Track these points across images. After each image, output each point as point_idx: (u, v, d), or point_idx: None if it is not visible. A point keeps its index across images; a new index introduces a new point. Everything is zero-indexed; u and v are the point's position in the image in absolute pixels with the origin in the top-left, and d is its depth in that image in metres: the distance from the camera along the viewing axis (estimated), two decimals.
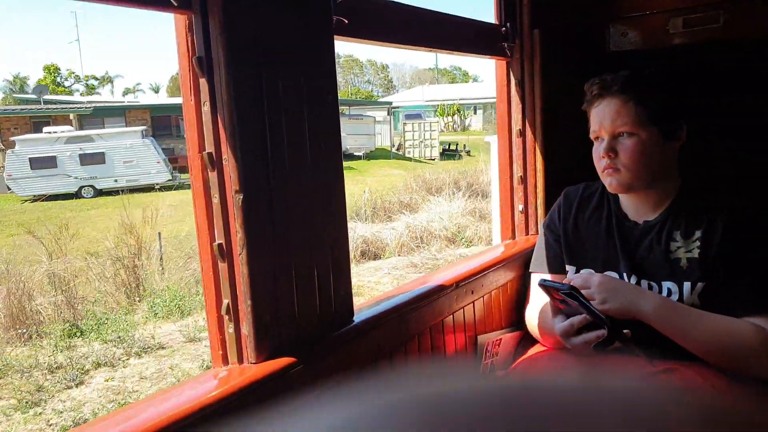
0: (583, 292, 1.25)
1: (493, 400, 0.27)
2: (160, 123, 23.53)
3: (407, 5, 1.40)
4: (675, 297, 1.34)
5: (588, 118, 1.44)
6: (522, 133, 1.85)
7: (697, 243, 1.33)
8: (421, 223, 9.36)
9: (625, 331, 1.21)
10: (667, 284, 1.35)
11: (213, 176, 0.96)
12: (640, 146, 1.33)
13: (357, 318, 1.14)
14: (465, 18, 1.67)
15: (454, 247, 8.85)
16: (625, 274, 1.40)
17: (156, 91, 63.90)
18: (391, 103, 32.34)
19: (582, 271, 1.34)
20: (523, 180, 1.86)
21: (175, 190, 15.88)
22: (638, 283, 1.39)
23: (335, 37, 1.14)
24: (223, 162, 0.95)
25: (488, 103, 31.33)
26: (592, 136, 1.41)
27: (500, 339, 1.59)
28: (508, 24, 1.80)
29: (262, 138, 0.97)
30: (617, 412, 0.24)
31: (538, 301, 1.56)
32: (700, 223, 1.34)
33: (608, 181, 1.39)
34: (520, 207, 1.87)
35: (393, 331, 1.21)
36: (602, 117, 1.37)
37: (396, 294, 1.29)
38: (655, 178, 1.37)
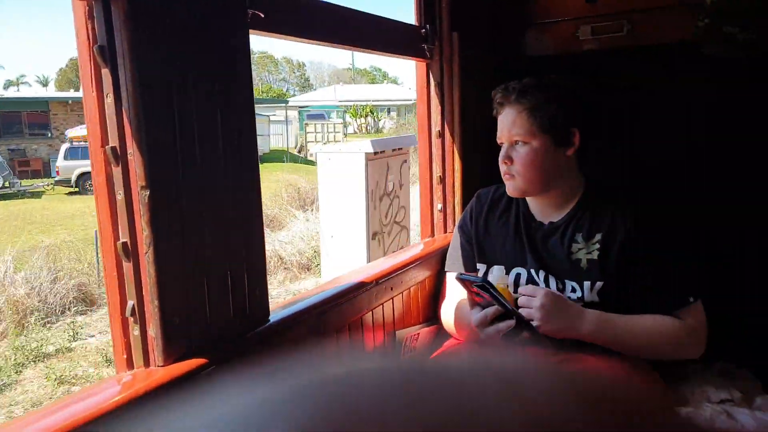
0: (524, 311, 1.30)
1: (392, 377, 0.28)
2: (9, 120, 20.79)
3: (326, 2, 1.39)
4: (577, 294, 1.42)
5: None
6: (441, 134, 1.89)
7: (597, 245, 1.41)
8: (272, 246, 7.50)
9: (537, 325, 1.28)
10: (570, 283, 1.43)
11: (117, 171, 0.92)
12: (531, 154, 1.42)
13: (273, 317, 1.12)
14: (385, 18, 1.68)
15: (304, 277, 7.19)
16: (532, 271, 1.48)
17: (44, 84, 58.70)
18: (287, 101, 30.82)
19: (527, 287, 1.37)
20: (442, 180, 1.90)
21: (8, 199, 14.17)
22: (546, 279, 1.46)
23: (251, 31, 1.12)
24: (128, 156, 0.91)
25: (402, 105, 30.72)
26: (497, 141, 1.49)
27: (418, 334, 1.62)
28: (427, 26, 1.83)
29: (171, 132, 0.93)
30: (499, 385, 0.26)
31: (453, 297, 1.60)
32: (601, 226, 1.42)
33: (507, 185, 1.48)
34: (439, 206, 1.90)
35: (310, 329, 1.20)
36: (502, 125, 1.45)
37: (315, 293, 1.29)
38: (550, 183, 1.45)
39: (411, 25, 1.83)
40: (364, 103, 29.28)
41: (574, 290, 1.42)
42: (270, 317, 1.12)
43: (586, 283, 1.41)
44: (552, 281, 1.45)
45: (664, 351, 1.37)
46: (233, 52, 1.05)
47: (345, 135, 25.69)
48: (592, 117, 1.46)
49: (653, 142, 1.84)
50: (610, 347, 1.34)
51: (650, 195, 1.48)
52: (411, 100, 30.16)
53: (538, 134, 1.40)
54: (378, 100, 31.20)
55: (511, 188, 1.47)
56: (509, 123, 1.43)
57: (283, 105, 28.37)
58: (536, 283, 1.47)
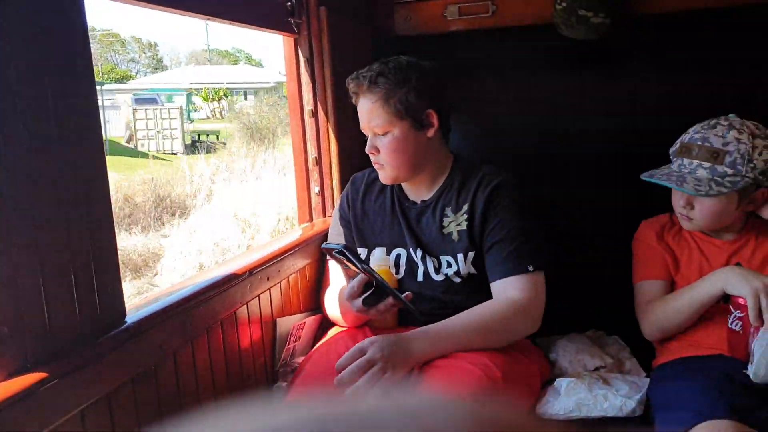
0: (374, 368, 1.17)
1: None
2: None
3: None
4: (453, 269, 1.42)
5: None
6: (314, 114, 1.80)
7: (465, 216, 1.43)
8: None
9: (406, 294, 1.25)
10: (445, 258, 1.44)
11: None
12: (395, 143, 1.41)
13: (130, 319, 0.98)
14: None
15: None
16: (411, 250, 1.47)
17: None
18: (103, 83, 25.81)
19: (345, 355, 1.22)
20: (318, 161, 1.82)
21: None
22: (423, 258, 1.45)
23: None
24: None
25: (261, 88, 28.12)
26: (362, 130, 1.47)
27: (303, 323, 1.54)
28: None
29: None
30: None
31: (336, 283, 1.54)
32: (467, 197, 1.44)
33: (379, 175, 1.48)
34: (317, 189, 1.82)
35: (177, 328, 1.07)
36: (361, 115, 1.44)
37: (180, 288, 1.15)
38: (420, 166, 1.46)
39: None
40: (218, 86, 26.69)
41: (450, 265, 1.43)
42: (126, 318, 0.98)
43: (460, 255, 1.42)
44: (428, 260, 1.45)
45: (503, 337, 1.33)
46: (65, 15, 0.89)
47: (191, 121, 22.82)
48: (445, 95, 1.46)
49: (511, 118, 1.89)
50: (452, 351, 1.28)
51: (511, 168, 1.51)
52: (270, 82, 28.38)
53: (396, 122, 1.39)
54: (234, 83, 28.87)
55: (383, 177, 1.47)
56: (367, 114, 1.41)
57: (111, 88, 24.51)
58: (415, 263, 1.46)
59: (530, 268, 1.36)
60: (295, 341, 1.49)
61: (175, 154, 16.09)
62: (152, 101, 20.83)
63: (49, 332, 0.84)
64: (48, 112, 0.85)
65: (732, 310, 1.28)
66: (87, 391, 0.86)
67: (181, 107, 18.93)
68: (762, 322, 1.20)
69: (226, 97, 26.04)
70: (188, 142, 17.77)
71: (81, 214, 0.89)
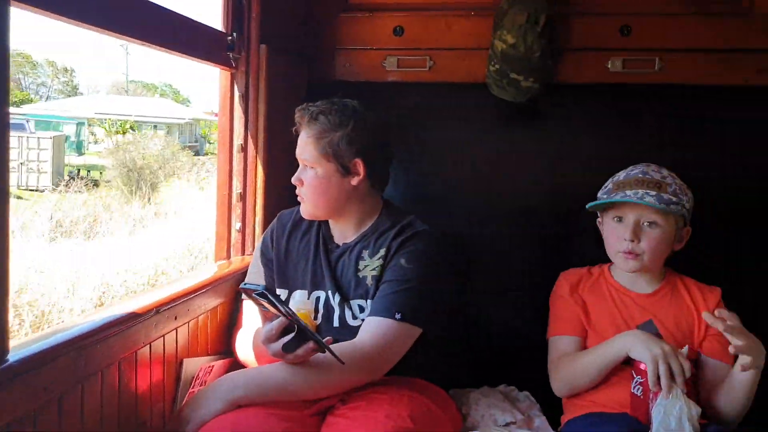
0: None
1: None
2: None
3: None
4: (365, 315, 1.40)
5: None
6: (244, 149, 1.77)
7: (380, 261, 1.43)
8: None
9: (326, 339, 1.22)
10: (357, 302, 1.43)
11: None
12: (316, 180, 1.44)
13: (13, 357, 0.90)
14: (188, 17, 1.53)
15: None
16: (330, 293, 1.46)
17: None
18: None
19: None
20: (243, 197, 1.78)
21: None
22: (341, 303, 1.43)
23: (12, 3, 0.91)
24: None
25: (175, 123, 26.56)
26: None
27: (211, 366, 1.46)
28: (234, 34, 1.71)
29: None
30: None
31: (250, 326, 1.49)
32: (385, 242, 1.44)
33: (301, 207, 1.51)
34: (238, 225, 1.77)
35: (66, 369, 0.98)
36: (299, 146, 1.47)
37: (72, 325, 1.07)
38: (340, 209, 1.48)
39: (217, 30, 1.70)
40: (125, 118, 24.22)
41: (362, 309, 1.42)
42: (9, 356, 0.89)
43: (370, 302, 1.41)
44: (345, 305, 1.43)
45: (329, 380, 1.27)
46: None
47: (82, 153, 20.43)
48: (377, 147, 1.47)
49: (441, 169, 1.95)
50: (280, 398, 1.26)
51: (430, 217, 1.53)
52: (185, 118, 27.09)
53: (323, 162, 1.42)
54: (144, 116, 26.01)
55: (303, 210, 1.50)
56: (302, 145, 1.45)
57: None
58: (332, 308, 1.43)
59: (398, 316, 1.32)
60: (201, 385, 1.41)
61: (40, 191, 13.44)
62: (19, 127, 16.97)
63: None
64: None
65: (633, 375, 1.33)
66: None
67: (55, 137, 15.86)
68: (660, 389, 1.24)
69: (133, 130, 23.21)
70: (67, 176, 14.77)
71: None
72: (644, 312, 1.45)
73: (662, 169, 1.48)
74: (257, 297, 1.17)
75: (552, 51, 1.84)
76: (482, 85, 1.90)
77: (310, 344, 1.19)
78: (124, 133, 22.80)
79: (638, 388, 1.32)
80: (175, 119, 27.25)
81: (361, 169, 1.42)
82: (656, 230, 1.43)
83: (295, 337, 1.20)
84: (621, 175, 1.51)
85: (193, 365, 1.41)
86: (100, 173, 16.17)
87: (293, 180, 1.47)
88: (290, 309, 1.18)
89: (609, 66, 1.91)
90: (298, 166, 1.49)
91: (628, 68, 1.90)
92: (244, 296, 1.52)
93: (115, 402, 1.14)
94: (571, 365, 1.45)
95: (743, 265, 1.77)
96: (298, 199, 1.49)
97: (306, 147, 1.43)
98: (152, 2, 1.36)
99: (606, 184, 1.54)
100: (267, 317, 1.27)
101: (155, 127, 25.59)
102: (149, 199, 10.81)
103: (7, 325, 0.90)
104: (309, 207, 1.48)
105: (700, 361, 1.41)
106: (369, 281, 1.42)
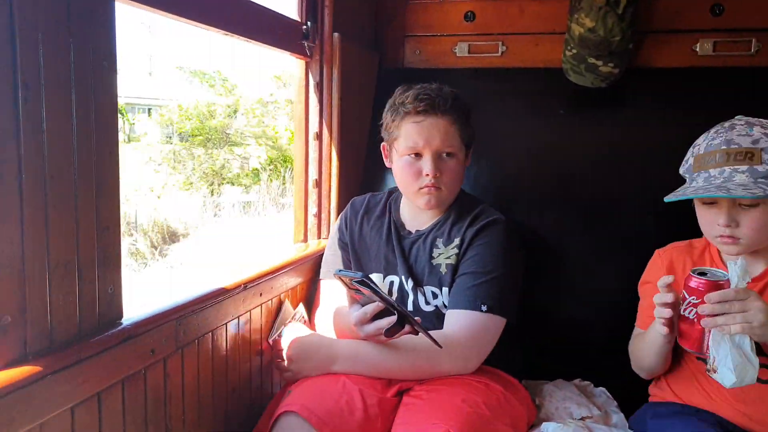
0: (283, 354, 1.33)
1: None
2: None
3: None
4: (440, 300, 1.43)
5: (392, 129, 1.45)
6: (319, 136, 1.83)
7: (455, 250, 1.43)
8: None
9: (416, 318, 1.22)
10: (430, 288, 1.45)
11: None
12: (458, 167, 1.44)
13: (126, 321, 0.97)
14: (266, 7, 1.59)
15: None
16: (403, 278, 1.48)
17: None
18: None
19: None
20: (318, 184, 1.83)
21: None
22: (414, 288, 1.46)
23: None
24: None
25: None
26: (406, 151, 1.42)
27: (304, 317, 1.56)
28: (309, 23, 1.77)
29: (12, 101, 0.77)
30: None
31: (328, 305, 1.54)
32: (460, 231, 1.44)
33: (426, 199, 1.44)
34: (314, 210, 1.83)
35: (169, 335, 1.06)
36: (429, 134, 1.39)
37: (175, 298, 1.15)
38: (456, 196, 1.50)
39: (292, 19, 1.76)
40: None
41: (435, 296, 1.44)
42: (123, 320, 0.97)
43: (445, 289, 1.42)
44: (418, 291, 1.46)
45: (421, 368, 1.31)
46: (95, 18, 0.91)
47: None
48: (474, 134, 1.51)
49: (513, 157, 1.90)
50: (374, 375, 1.30)
51: (502, 206, 1.53)
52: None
53: (462, 147, 1.45)
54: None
55: (435, 201, 1.44)
56: (441, 134, 1.39)
57: None
58: (406, 292, 1.47)
59: (483, 308, 1.33)
60: (303, 321, 1.55)
61: None
62: None
63: (49, 326, 0.83)
64: (69, 106, 0.86)
65: (686, 296, 1.13)
66: (79, 388, 0.85)
67: None
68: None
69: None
70: None
71: (92, 213, 0.90)
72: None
73: (752, 126, 1.19)
74: (356, 284, 1.19)
75: (633, 34, 1.76)
76: (557, 71, 1.87)
77: (407, 328, 1.22)
78: None
79: (690, 310, 1.12)
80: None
81: (470, 154, 1.49)
82: (755, 211, 1.18)
83: (397, 323, 1.22)
84: (702, 145, 1.25)
85: (290, 309, 1.53)
86: None
87: (429, 170, 1.39)
88: (389, 297, 1.21)
89: (697, 48, 1.82)
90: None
91: (719, 50, 1.81)
92: (322, 278, 1.58)
93: (209, 367, 1.21)
94: (636, 341, 1.38)
95: None
96: (427, 190, 1.41)
97: (449, 133, 1.39)
98: None
99: (686, 158, 1.31)
100: (355, 299, 1.29)
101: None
102: None
103: (122, 292, 0.98)
104: (447, 195, 1.45)
105: None
106: (443, 269, 1.43)
